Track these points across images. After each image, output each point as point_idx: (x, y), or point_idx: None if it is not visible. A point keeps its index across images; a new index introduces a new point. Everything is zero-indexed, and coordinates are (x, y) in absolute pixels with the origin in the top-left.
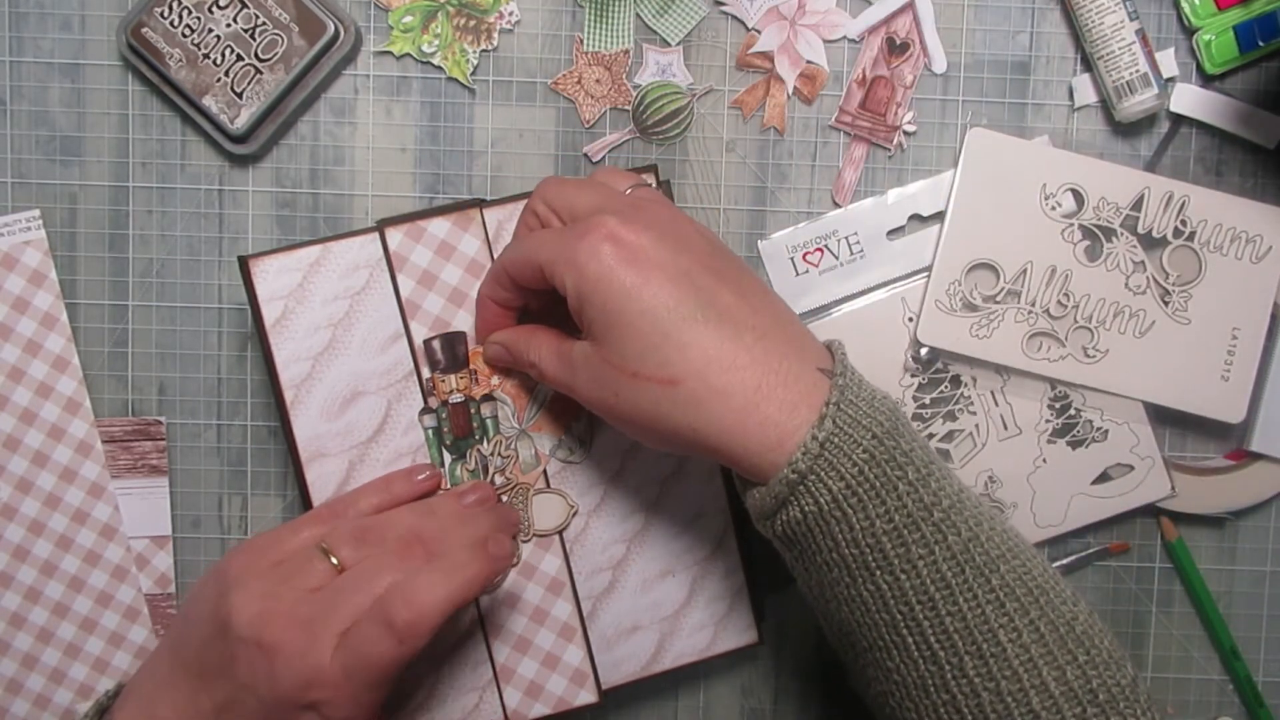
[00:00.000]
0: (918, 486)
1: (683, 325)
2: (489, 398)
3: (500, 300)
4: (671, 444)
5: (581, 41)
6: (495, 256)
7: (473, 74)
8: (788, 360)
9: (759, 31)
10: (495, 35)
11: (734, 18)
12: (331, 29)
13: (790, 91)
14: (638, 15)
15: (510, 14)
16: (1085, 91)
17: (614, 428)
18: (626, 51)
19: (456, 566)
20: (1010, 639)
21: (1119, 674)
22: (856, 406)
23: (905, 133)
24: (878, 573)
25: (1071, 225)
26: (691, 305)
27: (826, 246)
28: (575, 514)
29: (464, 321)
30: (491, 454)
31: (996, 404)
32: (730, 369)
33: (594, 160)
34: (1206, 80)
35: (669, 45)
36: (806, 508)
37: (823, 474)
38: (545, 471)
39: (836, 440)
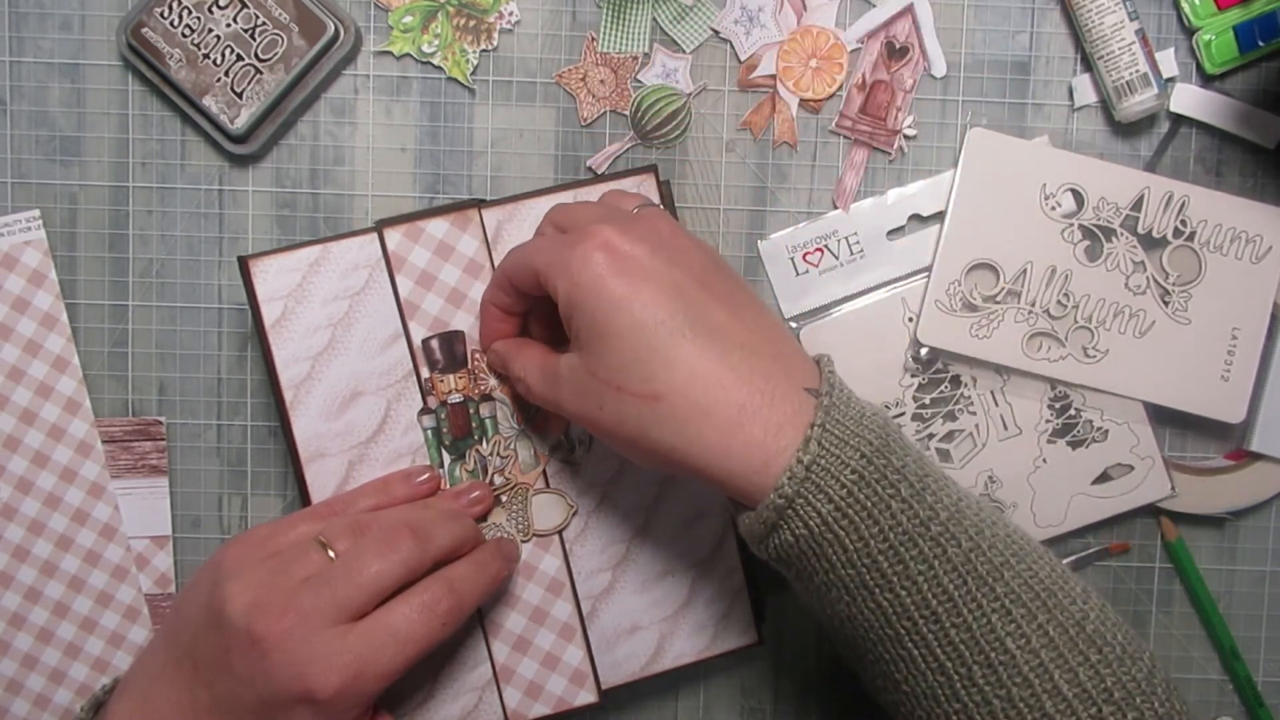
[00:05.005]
0: (912, 503)
1: (669, 340)
2: (488, 398)
3: (501, 305)
4: (656, 462)
5: (594, 39)
6: (494, 257)
7: (473, 74)
8: (774, 380)
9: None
10: (495, 35)
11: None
12: (331, 29)
13: (794, 113)
14: (654, 20)
15: (510, 14)
16: (1085, 91)
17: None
18: (636, 58)
19: (482, 564)
20: (1019, 645)
21: (1134, 668)
22: (844, 426)
23: (906, 136)
24: (876, 591)
25: (1071, 225)
26: (681, 320)
27: (826, 246)
28: (575, 514)
29: (463, 321)
30: (491, 454)
31: (996, 404)
32: (714, 386)
33: (598, 173)
34: (1206, 80)
35: (681, 50)
36: (797, 531)
37: (810, 497)
38: (545, 471)
39: (823, 463)
